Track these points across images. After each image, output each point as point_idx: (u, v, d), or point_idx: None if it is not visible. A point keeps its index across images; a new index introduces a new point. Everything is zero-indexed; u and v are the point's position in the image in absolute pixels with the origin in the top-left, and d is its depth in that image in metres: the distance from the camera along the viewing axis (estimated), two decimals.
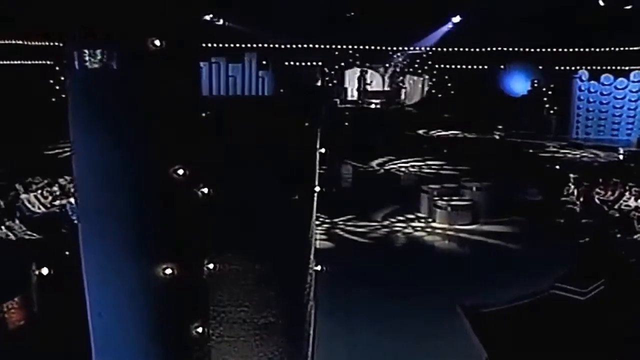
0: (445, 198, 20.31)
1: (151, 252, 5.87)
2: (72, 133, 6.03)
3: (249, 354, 6.95)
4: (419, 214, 20.77)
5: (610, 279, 15.38)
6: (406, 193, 22.81)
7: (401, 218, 20.53)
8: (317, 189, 7.50)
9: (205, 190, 6.09)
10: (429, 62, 39.60)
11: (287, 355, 7.08)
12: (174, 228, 5.90)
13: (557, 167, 26.60)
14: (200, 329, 6.22)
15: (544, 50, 37.56)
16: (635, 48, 35.31)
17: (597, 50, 36.72)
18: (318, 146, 7.43)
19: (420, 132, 33.58)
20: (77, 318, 6.44)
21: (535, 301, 14.47)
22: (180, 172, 5.76)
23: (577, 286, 15.01)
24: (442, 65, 39.75)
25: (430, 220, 20.19)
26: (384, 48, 39.01)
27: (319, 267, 7.75)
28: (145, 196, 5.80)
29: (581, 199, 21.40)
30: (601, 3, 33.05)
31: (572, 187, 22.07)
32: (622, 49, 36.03)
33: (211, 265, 6.33)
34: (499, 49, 38.61)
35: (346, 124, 29.95)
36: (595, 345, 11.85)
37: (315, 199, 7.48)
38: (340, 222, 19.65)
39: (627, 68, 34.10)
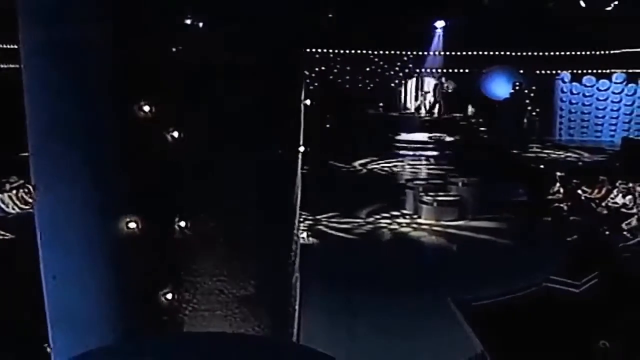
0: (431, 194, 19.56)
1: (112, 203, 5.02)
2: (26, 82, 5.23)
3: (227, 329, 6.06)
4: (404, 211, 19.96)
5: (604, 272, 14.81)
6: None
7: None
8: (302, 149, 6.62)
9: (176, 134, 5.27)
10: (410, 66, 39.08)
11: (270, 331, 6.21)
12: (138, 175, 5.06)
13: (542, 166, 25.99)
14: (170, 296, 5.38)
15: (525, 53, 37.08)
16: (616, 51, 34.94)
17: (579, 53, 36.34)
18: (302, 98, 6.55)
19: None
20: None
21: (528, 294, 13.89)
22: (146, 109, 4.93)
23: (571, 279, 14.45)
24: (424, 70, 39.20)
25: (415, 216, 19.42)
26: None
27: (304, 235, 6.86)
28: (103, 138, 4.95)
29: (568, 197, 20.90)
30: (582, 4, 32.66)
31: (558, 185, 21.57)
32: (603, 52, 35.67)
33: (182, 223, 5.47)
34: (480, 52, 38.12)
35: None
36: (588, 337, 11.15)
37: (300, 160, 6.59)
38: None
39: (608, 71, 33.71)
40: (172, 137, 5.26)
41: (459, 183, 20.16)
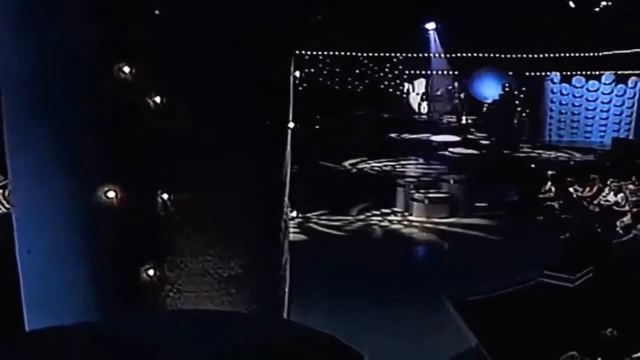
0: (422, 191, 19.26)
1: (89, 171, 4.67)
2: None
3: None
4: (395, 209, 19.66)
5: (598, 268, 14.74)
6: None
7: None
8: (292, 125, 6.28)
9: (158, 99, 4.92)
10: (400, 67, 38.87)
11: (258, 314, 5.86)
12: (118, 142, 4.71)
13: (533, 165, 25.78)
14: (152, 272, 5.03)
15: (514, 55, 36.93)
16: (606, 52, 34.81)
17: (568, 55, 36.20)
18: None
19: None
20: None
21: (523, 289, 13.72)
22: (126, 70, 4.59)
23: (565, 273, 14.34)
24: (413, 72, 38.99)
25: (406, 214, 19.11)
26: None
27: (294, 214, 6.51)
28: (79, 100, 4.59)
29: (559, 196, 20.73)
30: (571, 5, 32.51)
31: (550, 184, 21.41)
32: (593, 54, 35.55)
33: (165, 196, 5.12)
34: (469, 54, 37.97)
35: None
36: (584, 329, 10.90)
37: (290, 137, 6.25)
38: None
39: (597, 73, 33.54)
40: (154, 102, 4.92)
41: (450, 180, 19.87)
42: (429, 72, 39.02)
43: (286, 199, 6.29)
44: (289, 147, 6.30)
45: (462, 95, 37.57)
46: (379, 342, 10.50)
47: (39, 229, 4.85)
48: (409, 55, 38.64)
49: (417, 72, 39.16)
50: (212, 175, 5.56)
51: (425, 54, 38.54)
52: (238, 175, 5.72)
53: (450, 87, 38.21)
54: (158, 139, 4.94)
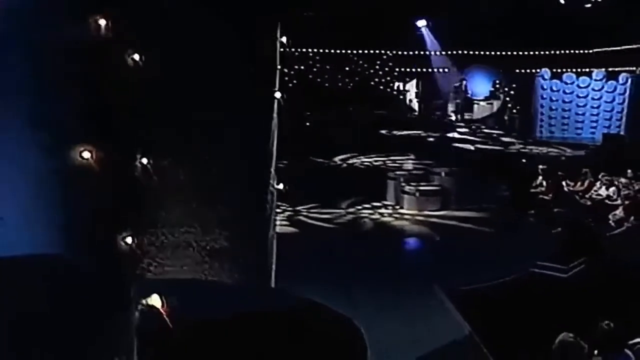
0: (413, 184, 19.01)
1: (63, 129, 4.38)
2: None
3: None
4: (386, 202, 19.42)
5: (591, 258, 14.54)
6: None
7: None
8: (278, 94, 6.03)
9: (137, 57, 4.64)
10: (390, 64, 38.68)
11: None
12: (94, 99, 4.42)
13: (524, 160, 25.59)
14: (129, 240, 4.74)
15: (504, 53, 36.78)
16: (597, 50, 34.69)
17: (558, 52, 36.07)
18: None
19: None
20: None
21: (515, 279, 13.51)
22: (102, 22, 4.30)
23: (558, 264, 14.16)
24: (403, 69, 38.79)
25: (397, 207, 18.86)
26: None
27: (280, 186, 6.24)
28: (53, 52, 4.30)
29: (551, 190, 20.57)
30: (562, 1, 32.34)
31: (541, 178, 21.25)
32: (583, 51, 35.43)
33: (145, 160, 4.84)
34: (459, 52, 37.80)
35: None
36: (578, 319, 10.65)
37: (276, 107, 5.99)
38: None
39: (587, 70, 33.37)
40: (133, 60, 4.63)
41: (441, 173, 19.63)
42: (419, 70, 38.74)
43: (272, 169, 6.04)
44: (275, 116, 6.04)
45: (452, 93, 37.29)
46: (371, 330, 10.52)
47: (10, 194, 4.55)
48: (400, 52, 38.39)
49: (408, 69, 38.90)
50: (194, 142, 5.30)
51: (416, 52, 38.28)
52: (222, 143, 5.46)
53: (441, 84, 37.91)
54: (137, 100, 4.67)
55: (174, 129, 4.99)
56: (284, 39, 6.00)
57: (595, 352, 8.47)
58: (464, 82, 36.37)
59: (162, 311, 3.89)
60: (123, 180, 4.70)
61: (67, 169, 4.38)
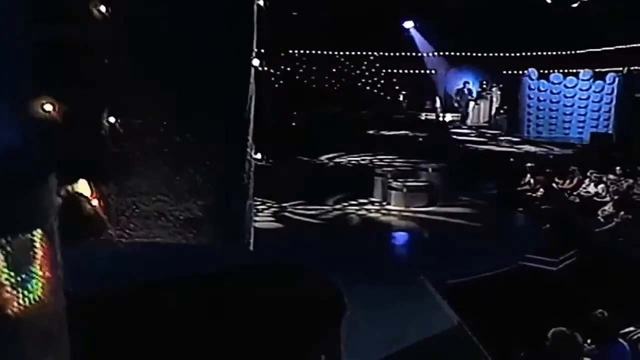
0: (400, 180, 18.73)
1: (22, 79, 4.05)
2: None
3: None
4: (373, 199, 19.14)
5: (581, 252, 14.49)
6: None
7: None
8: (257, 62, 5.72)
9: (103, 9, 4.33)
10: (377, 65, 38.52)
11: None
12: (55, 44, 4.09)
13: (512, 159, 25.42)
14: (95, 202, 4.42)
15: (491, 54, 36.67)
16: (582, 51, 34.60)
17: (545, 53, 35.98)
18: None
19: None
20: None
21: (505, 272, 13.33)
22: None
23: (548, 257, 14.06)
24: (390, 70, 38.62)
25: (384, 203, 18.58)
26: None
27: (259, 155, 5.92)
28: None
29: (539, 187, 20.44)
30: (548, 1, 32.20)
31: (529, 176, 21.14)
32: (570, 52, 35.35)
33: (112, 119, 4.51)
34: (446, 53, 37.68)
35: None
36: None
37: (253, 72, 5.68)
38: None
39: (574, 71, 33.23)
40: (98, 11, 4.31)
41: (429, 169, 19.38)
42: (406, 71, 38.59)
43: (250, 137, 5.73)
44: (252, 82, 5.73)
45: (439, 93, 37.17)
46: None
47: None
48: (386, 53, 38.23)
49: (395, 70, 38.73)
50: (167, 104, 4.98)
51: (403, 53, 38.12)
52: (196, 107, 5.15)
53: (427, 86, 37.77)
54: (103, 49, 4.35)
55: (145, 87, 4.66)
56: (261, 2, 5.69)
57: (589, 341, 8.27)
58: (467, 85, 36.03)
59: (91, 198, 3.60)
60: (87, 138, 4.36)
61: (26, 121, 4.05)
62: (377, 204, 18.79)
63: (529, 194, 20.32)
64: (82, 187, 4.44)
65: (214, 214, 5.19)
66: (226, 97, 5.35)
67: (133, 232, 5.04)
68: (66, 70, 4.26)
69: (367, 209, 18.25)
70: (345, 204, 18.71)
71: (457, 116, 36.76)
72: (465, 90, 36.58)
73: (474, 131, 33.55)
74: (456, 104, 37.03)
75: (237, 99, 5.47)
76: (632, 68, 31.75)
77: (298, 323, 3.17)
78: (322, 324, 3.35)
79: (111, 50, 4.52)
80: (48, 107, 4.08)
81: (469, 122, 35.91)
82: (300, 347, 3.17)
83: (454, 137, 31.57)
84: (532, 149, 28.68)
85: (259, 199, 18.18)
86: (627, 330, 9.41)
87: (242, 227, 5.55)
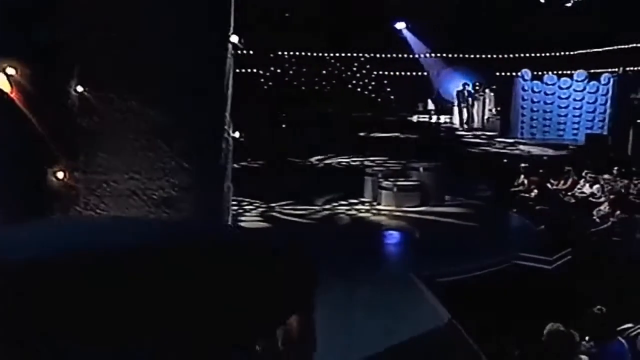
0: (391, 179, 18.53)
1: None
2: None
3: None
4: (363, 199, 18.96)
5: (577, 251, 14.38)
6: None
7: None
8: (235, 38, 5.52)
9: None
10: (367, 67, 38.47)
11: None
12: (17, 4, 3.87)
13: (505, 160, 25.32)
14: (61, 174, 4.22)
15: (484, 56, 36.64)
16: (576, 52, 34.60)
17: (538, 55, 35.97)
18: None
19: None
20: None
21: (498, 271, 13.14)
22: None
23: (543, 255, 13.89)
24: (382, 72, 38.53)
25: (375, 203, 18.38)
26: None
27: (237, 134, 5.71)
28: None
29: (533, 187, 20.30)
30: (542, 0, 32.18)
31: (523, 177, 21.01)
32: (564, 53, 35.33)
33: (80, 88, 4.30)
34: (438, 54, 37.63)
35: None
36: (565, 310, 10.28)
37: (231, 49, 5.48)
38: None
39: (568, 72, 33.17)
40: None
41: (420, 168, 19.17)
42: (398, 72, 38.50)
43: (227, 114, 5.52)
44: (231, 57, 5.53)
45: (432, 95, 37.08)
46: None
47: None
48: (378, 55, 38.15)
49: (387, 72, 38.64)
50: (139, 75, 4.76)
51: (395, 54, 38.03)
52: (171, 82, 4.94)
53: (420, 88, 37.64)
54: (70, 12, 4.13)
55: (114, 50, 4.44)
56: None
57: (587, 338, 8.12)
58: (467, 87, 35.75)
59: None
60: (54, 106, 4.15)
61: None
62: (367, 204, 18.54)
63: (523, 194, 20.17)
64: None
65: (188, 193, 4.97)
66: (202, 72, 5.14)
67: (104, 211, 4.82)
68: (33, 34, 4.07)
69: (357, 209, 18.02)
70: (335, 204, 18.47)
71: (450, 118, 36.65)
72: (465, 92, 36.30)
73: (467, 133, 33.37)
74: (456, 106, 36.77)
75: (214, 74, 5.26)
76: (627, 69, 31.66)
77: (262, 296, 2.97)
78: (290, 300, 3.16)
79: (80, 20, 4.31)
80: (10, 70, 3.86)
81: (459, 123, 35.76)
82: (263, 321, 2.98)
83: (447, 138, 31.40)
84: (527, 149, 28.57)
85: (247, 199, 18.14)
86: (625, 327, 9.26)
87: (219, 208, 5.33)
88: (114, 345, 2.57)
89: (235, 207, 17.41)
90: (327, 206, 18.27)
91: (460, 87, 36.39)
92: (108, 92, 4.55)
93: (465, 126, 35.58)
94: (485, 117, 34.83)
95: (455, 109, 36.83)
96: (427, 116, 37.10)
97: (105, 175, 4.74)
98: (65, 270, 2.66)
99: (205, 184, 5.20)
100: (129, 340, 2.60)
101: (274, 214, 17.42)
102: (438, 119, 36.81)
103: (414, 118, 37.19)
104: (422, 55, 38.23)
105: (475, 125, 35.46)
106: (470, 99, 35.89)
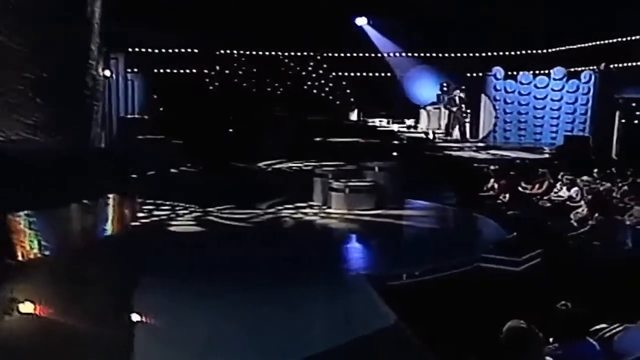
0: (342, 180, 17.98)
1: None
2: None
3: None
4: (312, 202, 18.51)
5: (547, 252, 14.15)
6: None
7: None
8: None
9: None
10: (324, 66, 38.17)
11: None
12: None
13: (475, 164, 25.02)
14: None
15: (453, 55, 36.45)
16: (554, 49, 34.47)
17: (512, 54, 35.89)
18: None
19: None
20: None
21: (458, 272, 12.85)
22: None
23: (509, 256, 13.54)
24: (341, 73, 38.22)
25: (325, 207, 17.85)
26: None
27: (107, 72, 5.11)
28: None
29: (504, 191, 20.01)
30: None
31: (493, 180, 20.72)
32: (540, 51, 35.24)
33: None
34: (402, 54, 37.45)
35: None
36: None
37: None
38: None
39: (546, 71, 32.92)
40: None
41: (375, 168, 18.67)
42: (357, 73, 38.15)
43: (95, 48, 4.98)
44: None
45: (396, 98, 36.83)
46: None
47: None
48: (336, 54, 37.81)
49: (345, 73, 38.27)
50: None
51: (355, 54, 37.70)
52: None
53: (382, 89, 37.33)
54: None
55: None
56: None
57: (551, 339, 7.63)
58: (457, 93, 35.00)
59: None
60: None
61: None
62: (316, 207, 18.01)
63: (492, 199, 19.84)
64: None
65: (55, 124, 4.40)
66: None
67: None
68: None
69: (303, 213, 17.49)
70: (280, 207, 17.92)
71: (414, 121, 36.43)
72: (457, 100, 35.72)
73: (432, 137, 33.06)
74: (438, 110, 36.41)
75: None
76: (610, 65, 31.25)
77: None
78: None
79: None
80: None
81: (425, 127, 35.49)
82: None
83: (410, 143, 31.08)
84: (498, 154, 28.28)
85: (181, 204, 17.58)
86: (598, 327, 8.85)
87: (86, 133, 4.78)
88: None
89: (168, 212, 16.93)
90: (271, 210, 17.70)
91: (452, 94, 34.95)
92: None
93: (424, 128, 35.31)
94: (454, 119, 34.32)
95: (423, 113, 36.51)
96: (389, 120, 36.80)
97: None
98: None
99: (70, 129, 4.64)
100: None
101: (211, 217, 16.80)
102: (402, 122, 36.49)
103: (376, 122, 36.87)
104: (386, 54, 37.93)
105: (442, 128, 35.07)
106: (460, 105, 34.99)
